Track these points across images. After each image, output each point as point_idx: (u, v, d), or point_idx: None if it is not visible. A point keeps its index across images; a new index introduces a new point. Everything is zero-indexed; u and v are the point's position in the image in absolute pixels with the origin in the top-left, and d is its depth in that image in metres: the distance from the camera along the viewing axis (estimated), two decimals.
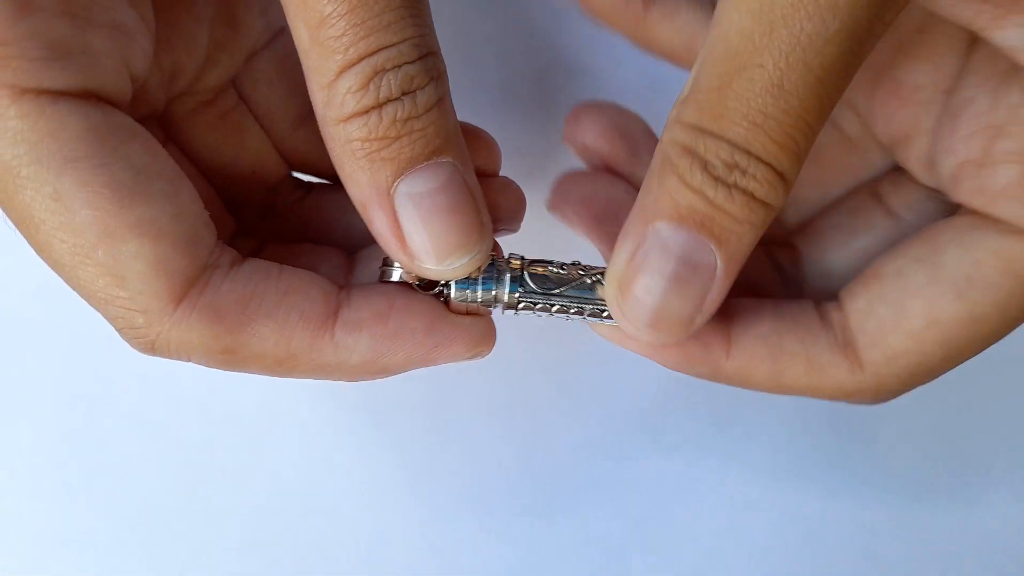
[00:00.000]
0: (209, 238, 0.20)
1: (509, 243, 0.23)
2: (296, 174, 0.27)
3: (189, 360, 0.20)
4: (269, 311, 0.20)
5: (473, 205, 0.20)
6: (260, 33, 0.25)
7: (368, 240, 0.24)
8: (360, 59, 0.18)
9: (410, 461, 0.33)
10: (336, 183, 0.27)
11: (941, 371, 0.23)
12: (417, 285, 0.22)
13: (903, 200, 0.26)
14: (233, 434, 0.32)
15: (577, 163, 0.28)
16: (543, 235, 0.27)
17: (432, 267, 0.20)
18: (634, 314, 0.21)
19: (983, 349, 0.23)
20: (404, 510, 0.32)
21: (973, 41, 0.23)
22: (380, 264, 0.23)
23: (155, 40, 0.21)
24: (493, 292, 0.22)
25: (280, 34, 0.25)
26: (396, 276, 0.22)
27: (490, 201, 0.21)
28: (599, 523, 0.33)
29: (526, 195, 0.24)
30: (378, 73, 0.18)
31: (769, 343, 0.23)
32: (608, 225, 0.25)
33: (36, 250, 0.19)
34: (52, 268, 0.20)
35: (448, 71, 0.20)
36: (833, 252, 0.27)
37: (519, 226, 0.24)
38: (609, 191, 0.26)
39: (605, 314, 0.22)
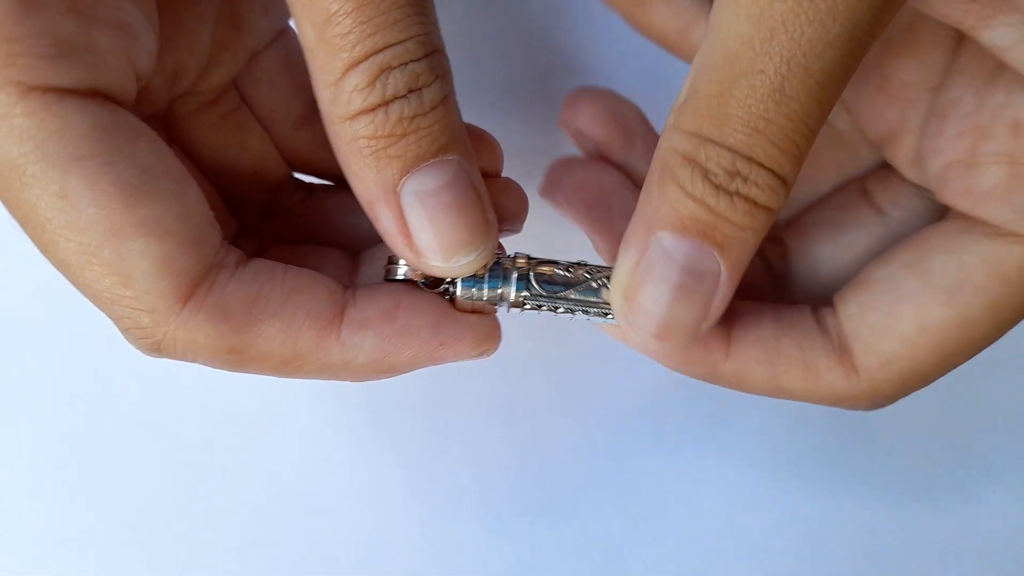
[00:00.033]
0: (215, 237, 0.20)
1: (510, 243, 0.23)
2: (298, 175, 0.27)
3: (195, 361, 0.20)
4: (275, 311, 0.20)
5: (479, 202, 0.20)
6: (263, 33, 0.25)
7: (370, 242, 0.24)
8: (366, 56, 0.18)
9: (410, 461, 0.33)
10: (338, 184, 0.27)
11: (936, 376, 0.23)
12: (422, 284, 0.22)
13: (890, 197, 0.26)
14: (233, 434, 0.32)
15: (573, 149, 0.28)
16: (545, 235, 0.27)
17: (439, 264, 0.20)
18: (641, 324, 0.21)
19: (977, 353, 0.23)
20: (404, 510, 0.32)
21: (960, 40, 0.23)
22: (384, 263, 0.23)
23: (159, 39, 0.21)
24: (499, 290, 0.22)
25: (282, 34, 0.25)
26: (401, 274, 0.22)
27: (493, 202, 0.21)
28: (599, 523, 0.33)
29: (527, 195, 0.24)
30: (384, 71, 0.18)
31: (767, 346, 0.23)
32: (599, 213, 0.25)
33: (41, 249, 0.19)
34: (57, 268, 0.19)
35: None
36: (821, 247, 0.27)
37: (522, 226, 0.24)
38: (602, 179, 0.26)
39: (609, 316, 0.22)
